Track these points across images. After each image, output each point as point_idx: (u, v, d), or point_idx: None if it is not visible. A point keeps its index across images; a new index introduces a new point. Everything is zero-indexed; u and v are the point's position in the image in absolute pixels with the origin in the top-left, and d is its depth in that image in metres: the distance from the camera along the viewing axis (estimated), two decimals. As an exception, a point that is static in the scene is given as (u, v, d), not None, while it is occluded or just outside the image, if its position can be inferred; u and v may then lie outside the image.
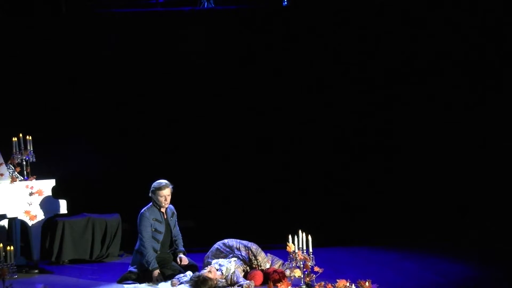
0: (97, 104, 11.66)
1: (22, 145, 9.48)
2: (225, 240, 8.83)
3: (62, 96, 11.58)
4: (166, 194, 8.74)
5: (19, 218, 9.28)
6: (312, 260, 8.14)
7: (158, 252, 8.71)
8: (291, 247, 8.21)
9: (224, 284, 8.16)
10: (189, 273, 8.44)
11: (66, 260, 9.87)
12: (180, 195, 9.15)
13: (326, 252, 9.70)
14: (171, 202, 8.89)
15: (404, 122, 11.96)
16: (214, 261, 8.51)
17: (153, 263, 8.54)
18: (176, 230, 8.98)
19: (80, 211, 10.24)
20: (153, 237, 8.69)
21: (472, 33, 11.75)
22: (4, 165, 9.32)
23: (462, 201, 11.71)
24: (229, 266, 8.29)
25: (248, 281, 8.16)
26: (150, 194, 8.78)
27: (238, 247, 8.66)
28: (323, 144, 12.03)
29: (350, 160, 12.00)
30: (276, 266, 8.63)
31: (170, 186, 8.77)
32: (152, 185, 8.79)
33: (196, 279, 8.16)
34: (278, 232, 9.14)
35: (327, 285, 7.87)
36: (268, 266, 8.53)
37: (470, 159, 11.81)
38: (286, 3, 11.99)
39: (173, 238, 8.92)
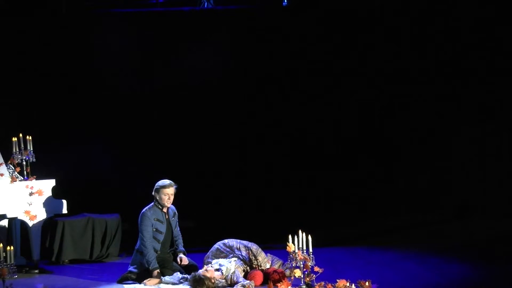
0: (97, 104, 11.67)
1: (22, 145, 9.47)
2: (225, 240, 8.82)
3: (62, 96, 11.59)
4: (170, 193, 8.74)
5: (19, 218, 9.27)
6: (312, 260, 8.14)
7: (158, 252, 8.71)
8: (291, 247, 8.20)
9: (224, 284, 8.16)
10: (177, 274, 8.45)
11: (66, 260, 9.86)
12: (180, 195, 9.14)
13: (326, 252, 9.70)
14: (173, 203, 8.89)
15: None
16: (214, 261, 8.51)
17: (154, 263, 8.54)
18: (177, 231, 8.97)
19: (80, 211, 10.23)
20: (154, 237, 8.69)
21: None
22: (4, 165, 9.32)
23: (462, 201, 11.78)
24: (229, 266, 8.29)
25: (248, 281, 8.15)
26: (153, 193, 8.78)
27: (238, 247, 8.66)
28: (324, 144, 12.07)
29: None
30: (276, 266, 8.63)
31: (174, 186, 8.78)
32: (156, 184, 8.79)
33: (193, 278, 8.16)
34: (278, 232, 9.14)
35: (327, 285, 7.87)
36: (268, 266, 8.53)
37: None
38: (286, 3, 12.00)
39: (174, 239, 8.92)
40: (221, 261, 8.44)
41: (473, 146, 11.93)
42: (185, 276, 8.41)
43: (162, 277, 8.45)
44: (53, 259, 9.83)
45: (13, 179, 9.31)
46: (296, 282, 8.14)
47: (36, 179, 9.44)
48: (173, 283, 8.35)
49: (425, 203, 12.00)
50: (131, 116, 11.76)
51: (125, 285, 8.57)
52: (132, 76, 11.78)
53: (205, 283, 8.09)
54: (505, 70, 11.78)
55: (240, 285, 8.06)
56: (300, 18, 11.97)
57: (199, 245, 9.61)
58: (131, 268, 8.77)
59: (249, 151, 12.01)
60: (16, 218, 9.31)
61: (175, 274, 8.49)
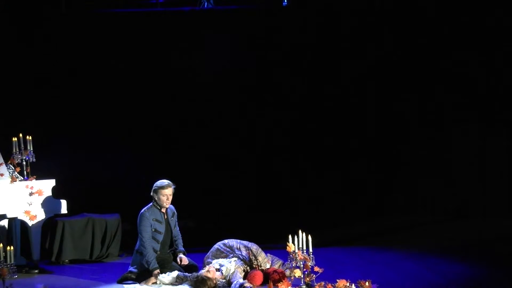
0: (98, 104, 11.67)
1: (22, 145, 9.47)
2: (225, 240, 8.82)
3: (62, 96, 11.59)
4: (168, 193, 8.73)
5: (19, 218, 9.27)
6: (312, 260, 8.13)
7: (158, 252, 8.70)
8: (291, 247, 8.20)
9: (225, 284, 8.16)
10: (174, 273, 8.43)
11: (66, 260, 9.85)
12: (180, 195, 9.14)
13: (326, 252, 9.70)
14: (172, 202, 8.88)
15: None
16: (214, 261, 8.51)
17: (153, 263, 8.53)
18: (176, 231, 8.96)
19: (80, 211, 10.23)
20: (153, 237, 8.68)
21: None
22: (4, 165, 9.31)
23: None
24: (229, 266, 8.29)
25: (243, 281, 8.11)
26: (151, 193, 8.76)
27: (238, 247, 8.66)
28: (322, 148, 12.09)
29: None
30: (276, 266, 8.62)
31: (173, 186, 8.76)
32: (155, 184, 8.77)
33: (195, 279, 8.16)
34: (278, 232, 9.14)
35: (327, 285, 7.86)
36: (268, 266, 8.52)
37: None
38: (286, 3, 12.00)
39: (173, 239, 8.91)
40: (221, 261, 8.43)
41: (473, 146, 11.93)
42: (186, 274, 8.38)
43: (158, 276, 8.44)
44: (53, 259, 9.82)
45: (13, 179, 9.30)
46: (296, 282, 8.14)
47: (36, 179, 9.43)
48: (172, 284, 8.34)
49: (425, 203, 12.01)
50: (131, 116, 11.76)
51: (125, 285, 8.57)
52: (132, 76, 11.78)
53: (207, 284, 8.09)
54: (505, 69, 11.77)
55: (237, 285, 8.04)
56: (300, 18, 11.99)
57: (199, 245, 9.60)
58: (131, 268, 8.76)
59: (250, 151, 12.01)
60: (16, 218, 9.31)
61: (171, 273, 8.45)
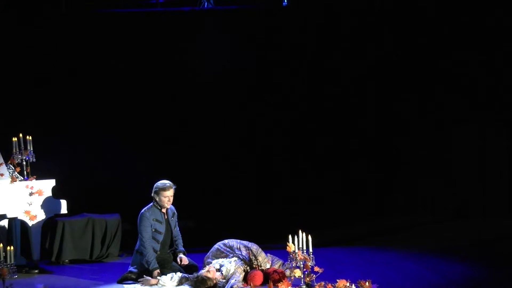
0: (98, 104, 11.67)
1: (22, 145, 9.46)
2: (226, 240, 8.82)
3: (62, 96, 11.59)
4: (169, 195, 8.72)
5: (19, 218, 9.26)
6: (312, 260, 8.13)
7: (158, 253, 8.70)
8: (291, 247, 8.20)
9: (225, 284, 8.16)
10: (177, 274, 8.41)
11: (66, 260, 9.85)
12: (180, 195, 9.14)
13: (326, 252, 9.70)
14: (172, 203, 8.87)
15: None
16: (214, 261, 8.51)
17: (153, 263, 8.53)
18: (176, 231, 8.97)
19: (80, 211, 10.23)
20: (153, 238, 8.68)
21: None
22: (4, 165, 9.31)
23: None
24: (229, 267, 8.29)
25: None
26: (152, 194, 8.76)
27: (238, 247, 8.65)
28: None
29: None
30: (276, 266, 8.62)
31: (174, 187, 8.76)
32: (155, 185, 8.76)
33: (195, 279, 8.17)
34: (278, 232, 9.14)
35: (327, 285, 7.87)
36: (268, 266, 8.52)
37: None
38: (286, 3, 12.01)
39: (173, 239, 8.91)
40: (221, 261, 8.43)
41: (473, 146, 11.93)
42: (185, 275, 8.39)
43: (158, 277, 8.44)
44: (53, 259, 9.82)
45: (13, 179, 9.30)
46: (296, 282, 8.13)
47: (36, 179, 9.43)
48: (173, 286, 8.34)
49: (425, 203, 12.01)
50: (131, 116, 11.76)
51: (125, 285, 8.57)
52: (132, 76, 11.77)
53: (207, 283, 8.10)
54: (505, 69, 11.77)
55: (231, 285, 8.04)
56: (300, 18, 11.99)
57: (199, 245, 9.60)
58: (131, 268, 8.76)
59: (250, 151, 12.01)
60: (16, 218, 9.31)
61: (172, 274, 8.44)
